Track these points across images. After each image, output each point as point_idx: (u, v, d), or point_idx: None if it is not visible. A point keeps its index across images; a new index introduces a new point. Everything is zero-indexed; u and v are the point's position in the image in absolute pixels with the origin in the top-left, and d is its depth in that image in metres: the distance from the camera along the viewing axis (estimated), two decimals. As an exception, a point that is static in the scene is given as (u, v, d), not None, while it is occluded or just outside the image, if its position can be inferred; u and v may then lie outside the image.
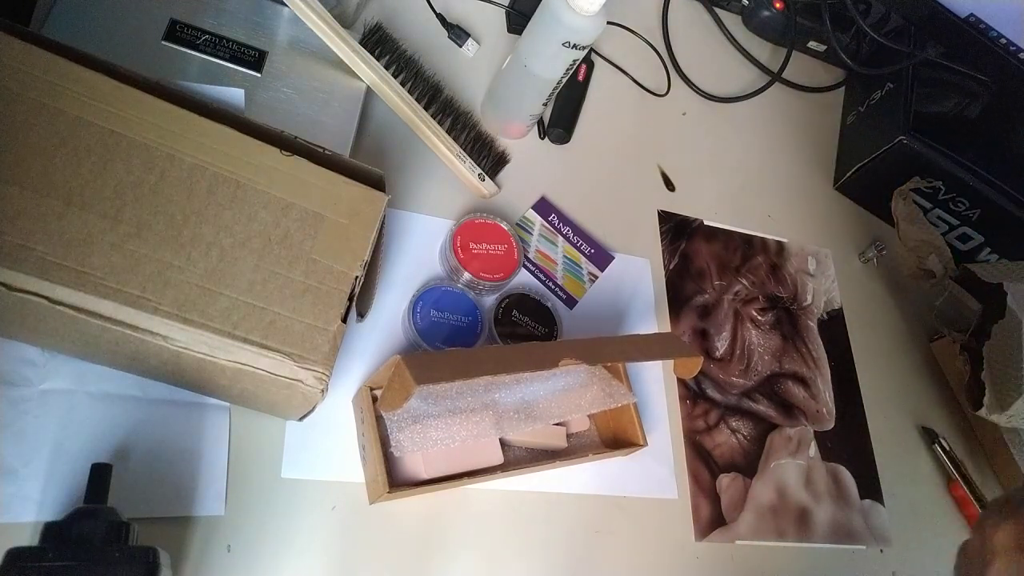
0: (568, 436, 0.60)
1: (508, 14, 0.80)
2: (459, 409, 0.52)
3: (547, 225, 0.70)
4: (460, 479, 0.53)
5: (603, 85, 0.83)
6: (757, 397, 0.74)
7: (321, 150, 0.50)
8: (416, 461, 0.52)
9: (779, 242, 0.84)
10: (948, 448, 0.79)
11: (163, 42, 0.59)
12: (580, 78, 0.80)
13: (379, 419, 0.52)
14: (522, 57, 0.65)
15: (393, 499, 0.53)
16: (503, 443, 0.57)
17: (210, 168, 0.46)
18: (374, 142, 0.66)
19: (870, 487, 0.75)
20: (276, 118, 0.60)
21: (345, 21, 0.67)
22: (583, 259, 0.70)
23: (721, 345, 0.75)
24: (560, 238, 0.70)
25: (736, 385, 0.73)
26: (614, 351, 0.55)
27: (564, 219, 0.72)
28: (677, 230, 0.78)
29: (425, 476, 0.51)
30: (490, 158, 0.70)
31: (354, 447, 0.55)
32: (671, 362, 0.69)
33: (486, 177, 0.68)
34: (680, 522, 0.64)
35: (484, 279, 0.62)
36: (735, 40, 0.95)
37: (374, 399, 0.53)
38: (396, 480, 0.52)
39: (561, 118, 0.76)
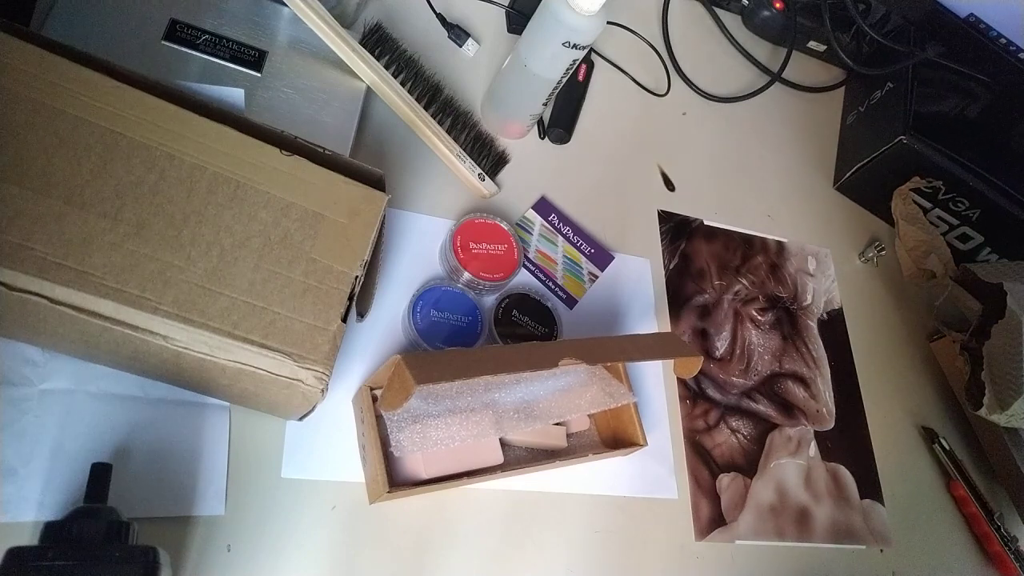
0: (568, 436, 0.60)
1: (508, 14, 0.80)
2: (459, 409, 0.52)
3: (547, 225, 0.70)
4: (460, 479, 0.53)
5: (603, 85, 0.83)
6: (757, 397, 0.74)
7: (321, 150, 0.50)
8: (416, 461, 0.52)
9: (779, 242, 0.84)
10: (948, 448, 0.80)
11: (163, 42, 0.59)
12: (580, 78, 0.80)
13: (379, 419, 0.52)
14: (522, 57, 0.65)
15: (393, 499, 0.53)
16: (503, 443, 0.57)
17: (210, 168, 0.46)
18: (374, 142, 0.66)
19: (870, 487, 0.75)
20: (276, 118, 0.60)
21: (345, 21, 0.67)
22: (583, 259, 0.70)
23: (721, 345, 0.75)
24: (560, 238, 0.70)
25: (736, 385, 0.73)
26: (614, 351, 0.55)
27: (564, 219, 0.72)
28: (677, 230, 0.78)
29: (425, 476, 0.51)
30: (490, 158, 0.70)
31: (354, 447, 0.55)
32: (671, 362, 0.69)
33: (486, 177, 0.68)
34: (680, 522, 0.64)
35: (484, 279, 0.62)
36: (735, 40, 0.95)
37: (374, 399, 0.53)
38: (396, 480, 0.52)
39: (561, 118, 0.76)
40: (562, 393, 0.56)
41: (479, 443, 0.54)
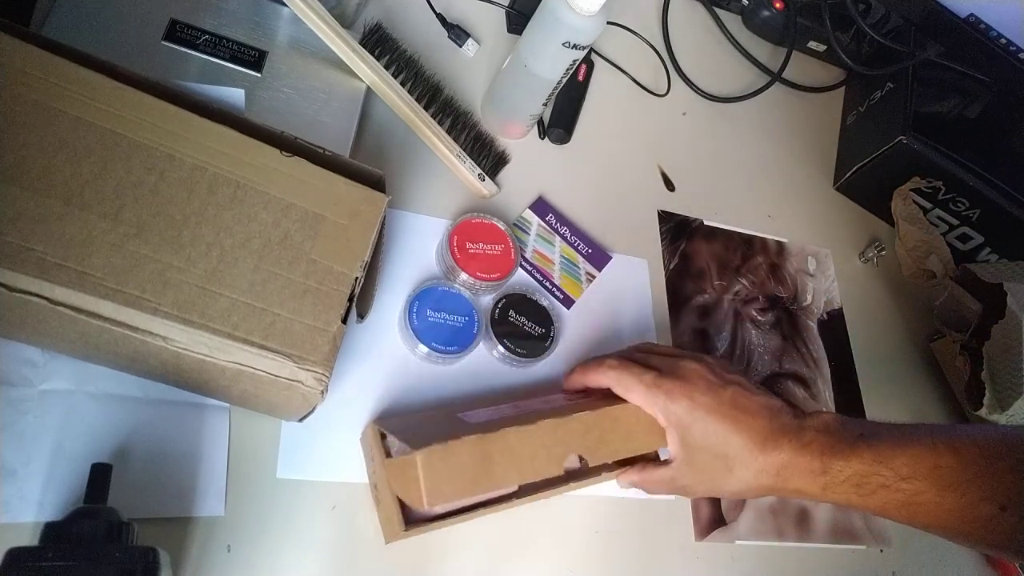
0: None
1: (508, 14, 0.80)
2: None
3: (544, 225, 0.70)
4: (475, 511, 0.51)
5: (603, 85, 0.83)
6: (757, 397, 0.73)
7: (321, 150, 0.50)
8: None
9: (779, 242, 0.84)
10: (948, 448, 0.79)
11: (163, 42, 0.59)
12: (580, 78, 0.80)
13: (389, 458, 0.50)
14: (522, 57, 0.65)
15: (411, 536, 0.51)
16: None
17: (210, 169, 0.46)
18: (374, 142, 0.66)
19: (870, 487, 0.74)
20: (276, 118, 0.60)
21: (345, 21, 0.67)
22: (580, 259, 0.70)
23: (721, 345, 0.75)
24: (557, 238, 0.70)
25: (736, 385, 0.73)
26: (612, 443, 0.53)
27: (562, 219, 0.72)
28: (677, 230, 0.78)
29: (440, 511, 0.50)
30: (490, 158, 0.70)
31: (353, 447, 0.55)
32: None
33: (486, 177, 0.68)
34: (680, 522, 0.64)
35: (481, 279, 0.62)
36: (735, 40, 0.95)
37: (383, 436, 0.52)
38: (412, 517, 0.50)
39: (561, 118, 0.76)
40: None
41: None
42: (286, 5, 0.63)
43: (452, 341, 0.60)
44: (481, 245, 0.63)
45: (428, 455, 0.44)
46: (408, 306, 0.59)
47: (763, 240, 0.83)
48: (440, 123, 0.68)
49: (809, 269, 0.85)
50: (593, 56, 0.84)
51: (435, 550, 0.55)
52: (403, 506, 0.49)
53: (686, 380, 0.53)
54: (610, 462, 0.56)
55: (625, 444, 0.54)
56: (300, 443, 0.53)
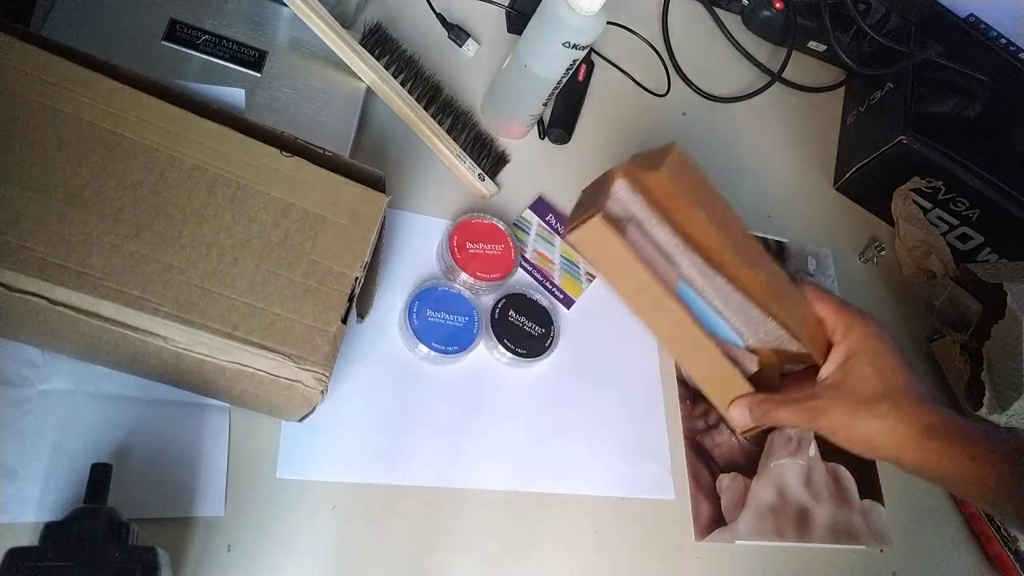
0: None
1: (508, 14, 0.80)
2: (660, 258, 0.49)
3: (544, 225, 0.71)
4: (648, 267, 0.47)
5: (603, 85, 0.83)
6: (757, 397, 0.73)
7: (321, 151, 0.50)
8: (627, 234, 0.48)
9: (779, 242, 0.84)
10: (948, 448, 0.79)
11: (163, 42, 0.59)
12: (580, 78, 0.80)
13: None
14: (522, 57, 0.65)
15: (595, 236, 0.46)
16: None
17: (210, 169, 0.46)
18: (374, 142, 0.66)
19: (870, 487, 0.75)
20: (276, 118, 0.60)
21: (345, 21, 0.67)
22: (580, 259, 0.70)
23: (721, 345, 0.74)
24: (557, 238, 0.70)
25: (736, 385, 0.73)
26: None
27: (562, 219, 0.72)
28: (677, 230, 0.78)
29: (634, 233, 0.47)
30: (490, 158, 0.70)
31: (353, 448, 0.55)
32: (670, 361, 0.69)
33: (486, 177, 0.68)
34: (680, 522, 0.64)
35: (481, 279, 0.62)
36: (735, 40, 0.95)
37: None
38: (610, 215, 0.46)
39: (561, 118, 0.76)
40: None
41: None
42: (286, 5, 0.63)
43: (452, 341, 0.60)
44: (481, 245, 0.63)
45: (680, 153, 0.46)
46: (408, 306, 0.59)
47: (763, 240, 0.83)
48: (440, 123, 0.68)
49: (809, 269, 0.84)
50: (593, 56, 0.84)
51: (436, 549, 0.55)
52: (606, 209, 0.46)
53: (876, 318, 0.52)
54: (781, 330, 0.53)
55: (796, 325, 0.52)
56: (300, 443, 0.53)
